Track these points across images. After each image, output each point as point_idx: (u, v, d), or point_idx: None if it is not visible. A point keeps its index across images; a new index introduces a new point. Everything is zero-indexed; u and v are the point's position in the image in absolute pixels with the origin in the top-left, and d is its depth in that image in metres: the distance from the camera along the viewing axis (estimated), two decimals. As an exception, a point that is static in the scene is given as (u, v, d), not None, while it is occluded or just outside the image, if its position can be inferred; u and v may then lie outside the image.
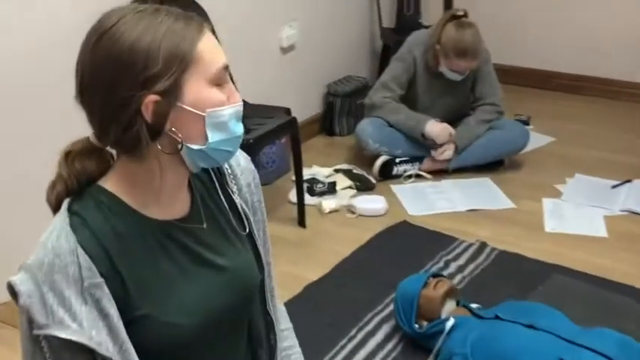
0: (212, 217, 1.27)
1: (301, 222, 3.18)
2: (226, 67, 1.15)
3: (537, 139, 3.93)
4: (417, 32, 3.74)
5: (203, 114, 1.11)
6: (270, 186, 3.49)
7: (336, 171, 3.65)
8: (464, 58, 3.43)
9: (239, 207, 1.31)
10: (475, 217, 3.28)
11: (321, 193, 3.40)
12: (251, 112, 3.16)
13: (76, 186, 1.17)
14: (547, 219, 3.24)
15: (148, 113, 1.09)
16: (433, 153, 3.57)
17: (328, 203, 3.30)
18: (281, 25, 3.78)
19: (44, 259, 1.07)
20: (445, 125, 3.54)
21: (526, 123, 4.08)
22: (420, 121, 3.53)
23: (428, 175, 3.61)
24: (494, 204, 3.38)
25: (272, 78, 3.76)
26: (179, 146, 1.13)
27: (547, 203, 3.36)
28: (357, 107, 4.10)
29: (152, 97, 1.08)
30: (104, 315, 1.09)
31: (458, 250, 2.99)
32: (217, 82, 1.13)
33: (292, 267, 2.86)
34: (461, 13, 3.50)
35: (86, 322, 1.07)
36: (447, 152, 3.57)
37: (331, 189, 3.43)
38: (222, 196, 1.30)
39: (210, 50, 1.12)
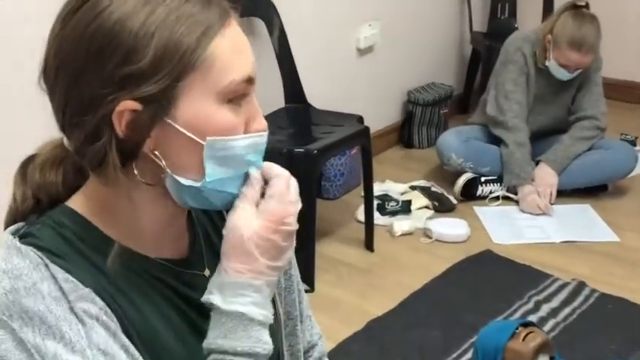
0: (217, 261, 0.95)
1: (368, 245, 2.89)
2: (250, 80, 0.82)
3: (646, 163, 3.52)
4: (519, 32, 3.42)
5: (201, 142, 0.80)
6: (337, 202, 3.22)
7: (412, 188, 3.35)
8: (577, 50, 3.04)
9: None
10: (572, 250, 2.90)
11: (394, 213, 3.11)
12: (318, 119, 2.94)
13: (33, 208, 0.87)
14: (659, 257, 2.83)
15: (120, 125, 0.80)
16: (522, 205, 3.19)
17: (401, 225, 3.00)
18: (359, 24, 3.51)
19: None
20: (536, 204, 3.13)
21: (633, 143, 3.68)
22: (522, 176, 3.17)
23: (517, 198, 3.24)
24: (594, 236, 3.00)
25: (345, 82, 3.50)
26: (163, 176, 0.84)
27: (659, 238, 2.96)
28: (440, 117, 3.83)
29: (129, 104, 0.79)
30: (112, 333, 0.81)
31: (550, 290, 2.61)
32: (231, 98, 0.81)
33: (354, 297, 2.57)
34: (582, 3, 3.13)
35: (90, 350, 0.77)
36: (538, 205, 3.16)
37: (405, 208, 3.13)
38: None
39: (229, 52, 0.80)
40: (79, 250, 0.84)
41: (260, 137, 0.86)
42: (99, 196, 0.87)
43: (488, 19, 4.22)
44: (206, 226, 0.99)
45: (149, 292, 0.88)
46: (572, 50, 3.04)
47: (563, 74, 3.13)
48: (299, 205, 0.88)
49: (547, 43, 3.11)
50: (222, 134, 0.82)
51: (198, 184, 0.83)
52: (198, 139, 0.81)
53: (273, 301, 1.02)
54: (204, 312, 0.89)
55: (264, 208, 0.85)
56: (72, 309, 0.78)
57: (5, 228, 0.88)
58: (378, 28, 3.57)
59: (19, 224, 0.87)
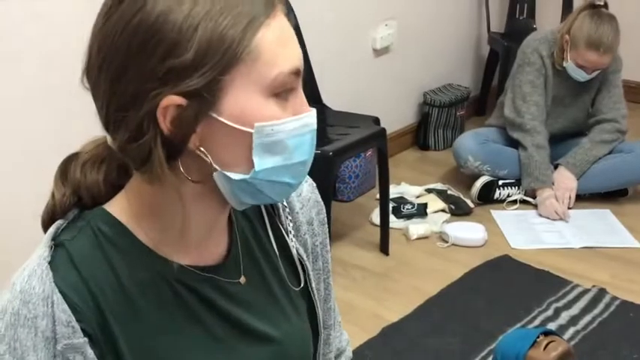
0: (255, 268, 0.94)
1: (383, 248, 2.84)
2: (297, 73, 0.79)
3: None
4: (536, 32, 3.33)
5: (250, 130, 0.78)
6: (351, 204, 3.18)
7: (428, 191, 3.30)
8: (596, 50, 2.98)
9: (294, 253, 0.98)
10: (591, 256, 2.83)
11: (409, 216, 3.06)
12: (334, 120, 2.91)
13: (73, 206, 0.86)
14: (681, 264, 2.76)
15: (165, 121, 0.77)
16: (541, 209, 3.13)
17: (416, 228, 2.94)
18: (376, 24, 3.45)
19: (8, 307, 0.80)
20: (554, 209, 3.07)
21: (654, 147, 3.55)
22: (541, 179, 3.11)
23: (535, 202, 3.18)
24: (615, 241, 2.93)
25: (361, 83, 3.45)
26: (212, 172, 0.81)
27: (681, 244, 2.89)
28: (456, 119, 3.77)
29: (173, 99, 0.76)
30: None
31: (570, 297, 2.55)
32: (277, 92, 0.78)
33: (369, 302, 2.52)
34: (601, 2, 3.07)
35: None
36: (556, 210, 3.09)
37: (421, 211, 3.07)
38: (272, 238, 0.96)
39: (275, 43, 0.78)
40: (108, 257, 0.83)
41: (308, 117, 0.82)
42: (142, 196, 0.84)
43: (506, 19, 4.15)
44: (245, 231, 0.95)
45: (168, 301, 0.85)
46: (589, 50, 2.98)
47: (580, 75, 3.07)
48: None
49: (564, 43, 3.05)
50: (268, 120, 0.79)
51: (247, 176, 0.80)
52: (245, 129, 0.78)
53: (314, 310, 0.99)
54: (231, 320, 0.88)
55: None
56: (55, 355, 0.79)
57: (43, 225, 0.87)
58: (395, 28, 3.51)
59: (60, 222, 0.85)
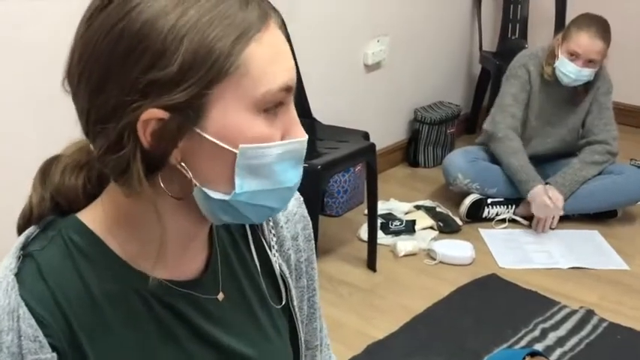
0: (235, 284, 0.90)
1: (371, 264, 2.81)
2: (287, 89, 0.75)
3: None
4: (527, 49, 3.35)
5: (234, 150, 0.73)
6: (339, 219, 3.15)
7: (417, 207, 3.28)
8: (587, 32, 2.98)
9: (276, 268, 0.93)
10: (579, 277, 2.81)
11: (397, 232, 3.03)
12: (323, 134, 2.89)
13: (50, 212, 0.82)
14: (669, 287, 2.74)
15: (145, 134, 0.73)
16: (534, 222, 3.14)
17: (404, 245, 2.92)
18: (368, 39, 3.45)
19: None
20: (548, 203, 3.06)
21: (644, 170, 3.55)
22: (530, 179, 3.10)
23: (524, 222, 3.18)
24: (603, 263, 2.91)
25: (351, 97, 3.44)
26: (192, 188, 0.77)
27: (669, 267, 2.87)
28: (447, 137, 3.76)
29: (155, 113, 0.72)
30: None
31: (558, 317, 2.52)
32: (266, 108, 0.74)
33: (355, 319, 2.48)
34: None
35: None
36: (544, 226, 3.11)
37: (409, 228, 3.05)
38: (254, 252, 0.92)
39: (266, 59, 0.73)
40: (78, 267, 0.79)
41: (298, 143, 0.78)
42: (118, 207, 0.80)
43: (498, 38, 4.16)
44: (225, 244, 0.91)
45: (140, 317, 0.81)
46: (580, 32, 2.99)
47: (571, 72, 3.02)
48: None
49: (556, 46, 3.06)
50: (254, 142, 0.75)
51: (227, 197, 0.76)
52: (230, 148, 0.74)
53: (295, 330, 0.95)
54: (207, 339, 0.84)
55: None
56: None
57: (18, 230, 0.83)
58: (387, 44, 3.51)
59: (31, 230, 0.81)
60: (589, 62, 3.00)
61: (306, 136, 0.79)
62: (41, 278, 0.77)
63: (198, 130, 0.73)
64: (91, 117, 0.75)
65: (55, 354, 0.75)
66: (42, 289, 0.77)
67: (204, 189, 0.76)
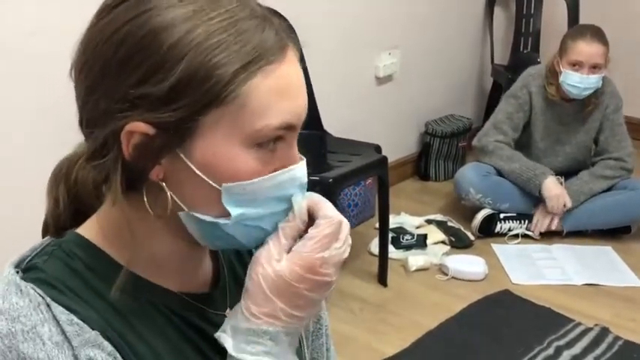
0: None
1: (382, 279, 2.78)
2: (290, 128, 0.71)
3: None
4: (534, 66, 3.33)
5: (217, 187, 0.71)
6: (350, 232, 3.04)
7: (428, 222, 3.25)
8: (582, 39, 3.00)
9: None
10: (593, 294, 2.78)
11: (408, 247, 3.00)
12: (335, 147, 2.87)
13: (65, 214, 0.80)
14: (685, 305, 2.70)
15: (127, 145, 0.71)
16: (534, 220, 3.14)
17: (416, 259, 2.89)
18: (379, 52, 3.43)
19: None
20: (564, 192, 3.06)
21: (657, 185, 3.51)
22: (538, 174, 3.08)
23: (537, 236, 3.14)
24: (616, 280, 2.88)
25: (363, 110, 3.42)
26: (176, 209, 0.74)
27: (685, 285, 2.83)
28: (458, 150, 3.74)
29: (139, 126, 0.69)
30: None
31: (572, 335, 2.49)
32: (261, 142, 0.71)
33: (365, 334, 2.45)
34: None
35: None
36: (544, 224, 3.11)
37: (421, 243, 3.02)
38: None
39: (271, 93, 0.69)
40: (88, 282, 0.74)
41: (291, 171, 0.73)
42: (110, 218, 0.77)
43: (510, 52, 4.13)
44: (231, 258, 0.88)
45: (164, 328, 0.78)
46: (576, 41, 3.00)
47: (578, 82, 2.99)
48: (345, 254, 0.76)
49: (555, 62, 3.07)
50: (239, 180, 0.71)
51: (218, 220, 0.73)
52: (212, 184, 0.71)
53: (300, 346, 0.92)
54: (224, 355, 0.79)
55: (297, 250, 0.74)
56: (76, 356, 0.69)
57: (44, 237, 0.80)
58: (398, 57, 3.49)
59: (25, 253, 0.77)
60: (593, 68, 2.99)
61: (298, 163, 0.74)
62: (50, 285, 0.73)
63: (181, 155, 0.70)
64: (84, 117, 0.73)
65: (97, 331, 0.71)
66: (57, 291, 0.72)
67: (192, 213, 0.73)
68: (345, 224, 0.77)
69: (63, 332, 0.69)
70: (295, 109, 0.71)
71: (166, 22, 0.68)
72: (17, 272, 0.74)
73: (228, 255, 0.88)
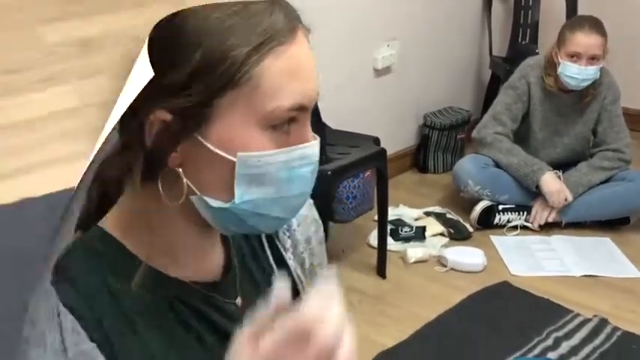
0: (252, 287, 0.88)
1: (380, 271, 2.79)
2: (301, 109, 0.72)
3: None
4: (532, 57, 3.34)
5: (232, 158, 0.72)
6: (348, 225, 3.10)
7: (427, 214, 3.25)
8: (580, 30, 3.00)
9: (293, 272, 0.92)
10: (592, 285, 2.79)
11: (407, 239, 3.01)
12: (333, 139, 2.87)
13: (94, 203, 0.83)
14: (684, 295, 2.72)
15: (150, 134, 0.73)
16: (532, 212, 3.15)
17: (414, 251, 2.90)
18: (378, 44, 3.43)
19: None
20: (563, 187, 3.07)
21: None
22: (536, 170, 3.09)
23: (536, 228, 3.15)
24: (615, 271, 2.88)
25: (361, 102, 3.41)
26: (190, 194, 0.76)
27: (683, 275, 2.84)
28: (456, 142, 3.74)
29: (160, 114, 0.72)
30: None
31: (571, 326, 2.50)
32: (275, 125, 0.73)
33: (364, 326, 2.46)
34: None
35: None
36: (542, 217, 3.12)
37: (419, 235, 3.03)
38: (270, 255, 0.92)
39: (283, 74, 0.72)
40: (105, 278, 0.77)
41: (304, 149, 0.75)
42: (130, 208, 0.80)
43: (508, 43, 4.12)
44: (242, 247, 0.89)
45: (169, 322, 0.80)
46: (574, 32, 3.00)
47: (576, 73, 2.99)
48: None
49: (553, 54, 3.07)
50: (254, 150, 0.73)
51: (226, 205, 0.74)
52: (228, 156, 0.72)
53: None
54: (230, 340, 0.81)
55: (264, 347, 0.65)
56: None
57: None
58: (397, 48, 3.49)
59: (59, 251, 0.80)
60: (592, 59, 2.99)
61: (312, 141, 0.76)
62: (75, 289, 0.76)
63: (199, 138, 0.72)
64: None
65: (94, 344, 0.74)
66: (78, 295, 0.75)
67: (204, 197, 0.74)
68: (334, 314, 0.68)
69: (62, 342, 0.73)
70: (306, 90, 0.74)
71: (185, 13, 0.71)
72: (53, 273, 0.77)
73: (239, 245, 0.89)
